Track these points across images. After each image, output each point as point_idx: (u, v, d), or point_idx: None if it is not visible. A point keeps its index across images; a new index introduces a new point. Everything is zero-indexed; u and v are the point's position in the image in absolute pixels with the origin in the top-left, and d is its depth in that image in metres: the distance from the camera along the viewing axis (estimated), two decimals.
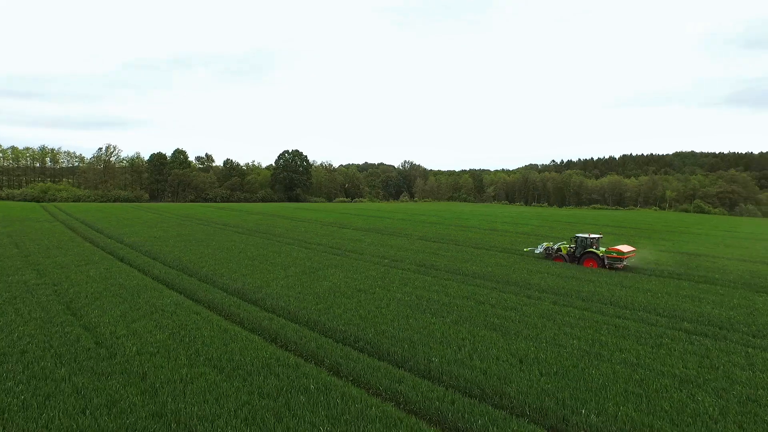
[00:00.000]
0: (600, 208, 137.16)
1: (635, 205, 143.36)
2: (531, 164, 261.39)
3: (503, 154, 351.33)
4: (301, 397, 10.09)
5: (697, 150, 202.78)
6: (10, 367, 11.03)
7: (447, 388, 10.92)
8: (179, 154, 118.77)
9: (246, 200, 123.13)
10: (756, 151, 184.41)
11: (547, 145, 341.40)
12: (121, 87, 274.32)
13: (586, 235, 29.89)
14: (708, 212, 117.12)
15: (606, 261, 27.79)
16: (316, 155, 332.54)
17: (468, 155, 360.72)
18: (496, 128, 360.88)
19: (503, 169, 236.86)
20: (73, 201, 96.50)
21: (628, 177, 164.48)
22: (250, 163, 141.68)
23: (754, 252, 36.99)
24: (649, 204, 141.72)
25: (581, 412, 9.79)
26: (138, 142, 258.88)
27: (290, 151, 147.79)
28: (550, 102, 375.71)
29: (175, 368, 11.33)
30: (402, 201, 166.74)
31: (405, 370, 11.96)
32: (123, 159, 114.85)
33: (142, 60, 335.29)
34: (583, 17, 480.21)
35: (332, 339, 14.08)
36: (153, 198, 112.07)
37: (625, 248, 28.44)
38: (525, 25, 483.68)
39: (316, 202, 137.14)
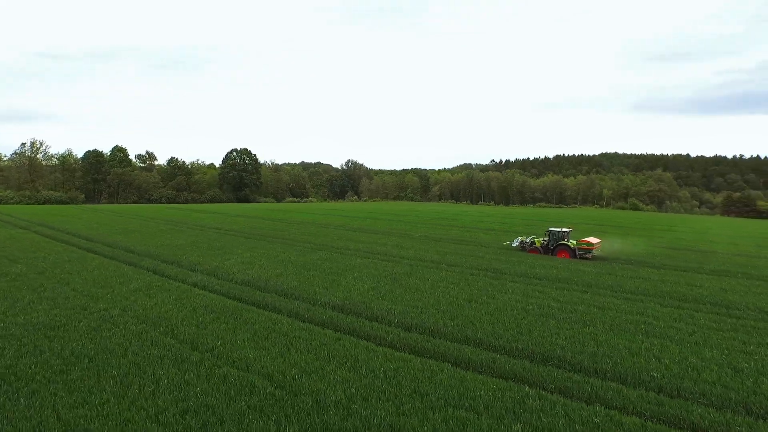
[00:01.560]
0: (545, 207, 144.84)
1: (575, 203, 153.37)
2: (466, 163, 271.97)
3: (440, 152, 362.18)
4: None
5: (620, 151, 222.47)
6: None
7: (721, 411, 10.06)
8: (119, 151, 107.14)
9: (194, 201, 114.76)
10: (667, 153, 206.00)
11: (483, 145, 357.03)
12: (32, 78, 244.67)
13: (558, 229, 32.95)
14: (642, 209, 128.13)
15: (577, 252, 30.70)
16: (257, 154, 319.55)
17: (406, 154, 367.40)
18: (431, 128, 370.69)
19: (444, 168, 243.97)
20: None
21: (566, 176, 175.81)
22: (196, 162, 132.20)
23: (743, 248, 40.42)
24: (588, 202, 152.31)
25: None
26: (64, 139, 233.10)
27: (238, 149, 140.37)
28: (481, 103, 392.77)
29: (418, 414, 9.40)
30: (351, 201, 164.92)
31: (643, 390, 10.96)
32: (52, 156, 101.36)
33: (55, 50, 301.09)
34: (518, 26, 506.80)
35: (523, 359, 12.69)
36: (89, 199, 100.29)
37: (593, 240, 31.71)
38: (457, 29, 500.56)
39: (266, 202, 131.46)
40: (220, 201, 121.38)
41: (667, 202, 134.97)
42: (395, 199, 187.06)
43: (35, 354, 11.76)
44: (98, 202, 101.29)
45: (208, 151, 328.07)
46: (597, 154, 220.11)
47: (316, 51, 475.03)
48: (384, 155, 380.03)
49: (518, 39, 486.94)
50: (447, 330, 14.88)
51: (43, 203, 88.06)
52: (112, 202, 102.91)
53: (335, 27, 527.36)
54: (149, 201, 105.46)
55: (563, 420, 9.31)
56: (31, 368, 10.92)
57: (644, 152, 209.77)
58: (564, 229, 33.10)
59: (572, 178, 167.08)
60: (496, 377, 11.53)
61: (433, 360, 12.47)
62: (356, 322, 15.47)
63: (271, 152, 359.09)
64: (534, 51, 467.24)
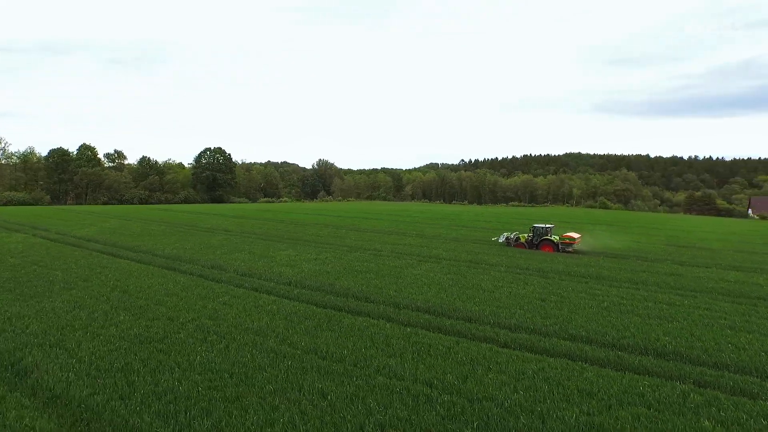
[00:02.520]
0: (517, 206, 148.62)
1: (546, 202, 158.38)
2: (433, 163, 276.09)
3: (405, 152, 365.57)
4: None
5: (583, 152, 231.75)
6: None
7: None
8: (87, 150, 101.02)
9: (167, 201, 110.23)
10: (628, 154, 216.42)
11: (448, 144, 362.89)
12: None
13: (542, 225, 35.14)
14: (610, 208, 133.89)
15: (560, 246, 32.99)
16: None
17: (371, 154, 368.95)
18: (396, 127, 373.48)
19: (415, 168, 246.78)
20: None
21: (535, 176, 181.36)
22: (167, 161, 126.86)
23: (733, 244, 43.12)
24: (558, 201, 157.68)
25: None
26: (18, 136, 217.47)
27: (212, 148, 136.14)
28: (447, 103, 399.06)
29: (603, 413, 9.54)
30: (326, 200, 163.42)
31: None
32: (12, 155, 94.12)
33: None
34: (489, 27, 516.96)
35: (640, 354, 13.04)
36: (55, 200, 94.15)
37: (574, 235, 34.24)
38: (422, 32, 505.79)
39: (240, 202, 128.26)
40: (194, 201, 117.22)
41: (632, 201, 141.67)
42: (368, 198, 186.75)
43: (166, 370, 10.97)
44: (65, 203, 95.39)
45: (169, 149, 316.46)
46: (562, 154, 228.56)
47: (278, 50, 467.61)
48: (349, 155, 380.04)
49: (481, 42, 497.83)
50: (548, 329, 15.07)
51: (5, 204, 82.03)
52: (80, 203, 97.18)
53: (299, 27, 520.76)
54: (121, 201, 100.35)
55: (743, 415, 9.62)
56: (176, 384, 10.18)
57: (606, 152, 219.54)
58: (547, 225, 35.31)
59: (542, 177, 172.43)
60: (636, 374, 11.77)
61: (563, 359, 12.59)
62: (458, 325, 15.38)
63: (237, 151, 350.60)
64: (496, 54, 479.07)
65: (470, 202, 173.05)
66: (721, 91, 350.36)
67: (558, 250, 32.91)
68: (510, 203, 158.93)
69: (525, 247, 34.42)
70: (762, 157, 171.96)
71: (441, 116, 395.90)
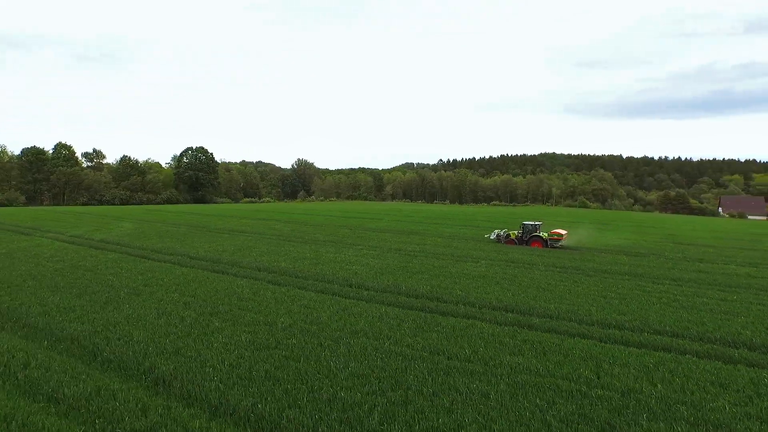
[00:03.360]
0: (498, 205, 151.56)
1: (527, 201, 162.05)
2: (408, 162, 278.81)
3: (379, 151, 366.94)
4: None
5: (557, 152, 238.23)
6: None
7: None
8: (63, 149, 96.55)
9: (149, 202, 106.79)
10: (602, 154, 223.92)
11: (424, 144, 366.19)
12: None
13: (531, 223, 37.45)
14: (590, 207, 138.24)
15: (548, 242, 34.93)
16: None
17: (344, 154, 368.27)
18: (369, 127, 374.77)
19: (395, 167, 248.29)
20: None
21: (514, 176, 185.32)
22: (148, 161, 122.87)
23: (730, 242, 45.44)
24: (537, 200, 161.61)
25: None
26: None
27: (195, 147, 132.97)
28: (422, 102, 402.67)
29: (751, 403, 10.04)
30: (308, 200, 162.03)
31: None
32: None
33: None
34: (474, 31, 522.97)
35: (730, 347, 13.73)
36: (30, 201, 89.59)
37: (561, 231, 36.37)
38: (399, 32, 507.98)
39: (222, 203, 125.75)
40: (178, 202, 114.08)
41: (610, 200, 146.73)
42: (349, 198, 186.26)
43: (310, 377, 10.77)
44: (41, 204, 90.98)
45: (139, 148, 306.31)
46: (537, 154, 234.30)
47: (249, 48, 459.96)
48: (324, 154, 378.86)
49: (455, 44, 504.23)
50: (631, 324, 15.65)
51: None
52: (58, 204, 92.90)
53: (275, 27, 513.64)
54: (101, 202, 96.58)
55: None
56: (334, 391, 10.05)
57: (579, 153, 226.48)
58: (536, 223, 37.45)
59: (521, 177, 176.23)
60: (748, 366, 12.39)
61: (669, 353, 13.12)
62: (546, 322, 15.76)
63: (210, 150, 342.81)
64: (470, 55, 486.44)
65: (451, 202, 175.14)
66: (682, 95, 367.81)
67: (547, 246, 34.67)
68: (491, 203, 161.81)
69: (515, 243, 36.26)
70: (726, 158, 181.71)
71: (417, 116, 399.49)
